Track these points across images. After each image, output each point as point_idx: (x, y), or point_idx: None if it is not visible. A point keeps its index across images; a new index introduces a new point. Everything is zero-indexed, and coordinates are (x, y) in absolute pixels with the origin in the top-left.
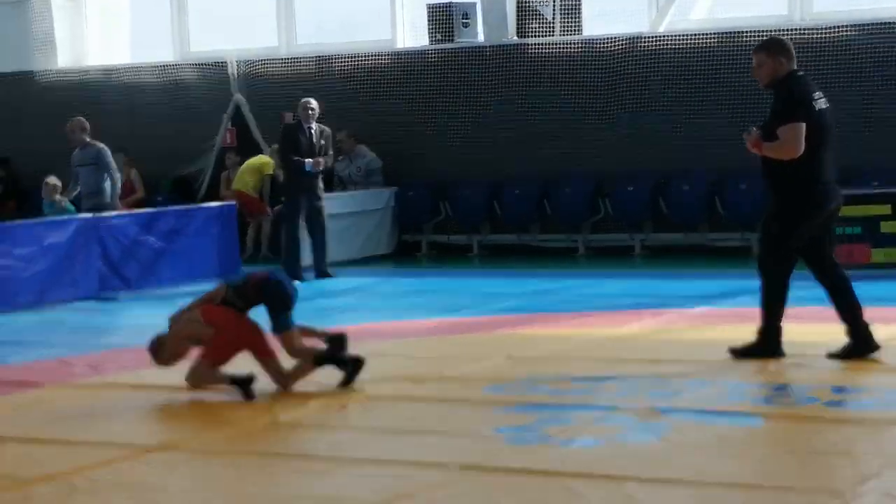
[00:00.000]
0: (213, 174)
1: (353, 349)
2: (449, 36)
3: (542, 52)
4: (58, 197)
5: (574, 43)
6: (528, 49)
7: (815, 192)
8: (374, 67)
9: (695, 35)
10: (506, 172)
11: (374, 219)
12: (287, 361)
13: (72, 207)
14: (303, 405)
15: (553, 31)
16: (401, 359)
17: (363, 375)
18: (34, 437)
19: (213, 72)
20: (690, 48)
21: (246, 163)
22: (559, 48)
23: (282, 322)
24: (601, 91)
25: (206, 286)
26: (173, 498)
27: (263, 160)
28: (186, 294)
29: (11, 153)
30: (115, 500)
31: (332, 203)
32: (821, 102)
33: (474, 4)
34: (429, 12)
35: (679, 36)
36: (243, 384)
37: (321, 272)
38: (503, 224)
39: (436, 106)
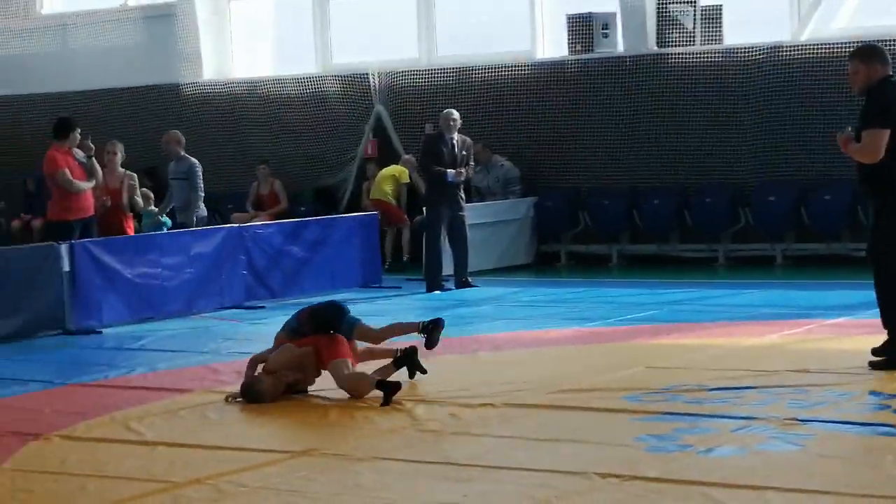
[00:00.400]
0: (354, 185)
1: (494, 357)
2: (588, 46)
3: (682, 62)
4: (151, 207)
5: (715, 52)
6: (668, 59)
7: None
8: (514, 78)
9: (836, 44)
10: (645, 182)
11: (513, 229)
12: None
13: (168, 221)
14: (441, 411)
15: (694, 41)
16: (539, 367)
17: (506, 382)
18: (184, 441)
19: (355, 83)
20: (832, 58)
21: (381, 172)
22: (700, 57)
23: (349, 322)
24: (741, 101)
25: (349, 295)
26: (319, 502)
27: (398, 169)
28: None
29: (159, 163)
30: None
31: (470, 213)
32: None
33: (614, 14)
34: (568, 22)
35: (821, 45)
36: (390, 388)
37: (462, 282)
38: (642, 234)
39: (575, 116)
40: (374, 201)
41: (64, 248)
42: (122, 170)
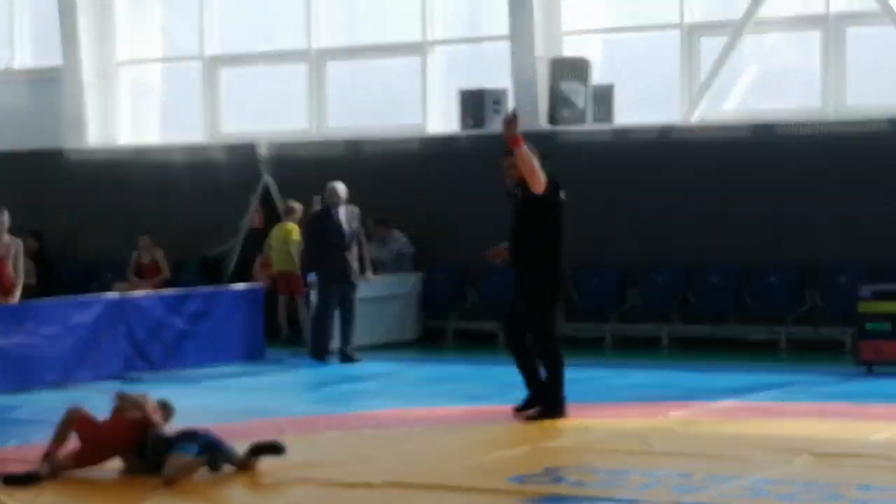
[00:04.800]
0: (241, 255)
1: (377, 434)
2: (480, 122)
3: (573, 140)
4: None
5: (605, 131)
6: (559, 136)
7: None
8: (405, 151)
9: (727, 126)
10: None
11: (400, 303)
12: None
13: None
14: (320, 492)
15: (585, 119)
16: (424, 446)
17: (389, 460)
18: None
19: (243, 153)
20: (723, 139)
21: (272, 237)
22: (591, 136)
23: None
24: (632, 180)
25: (230, 369)
26: None
27: (286, 228)
28: (210, 375)
29: (43, 228)
30: None
31: (358, 286)
32: None
33: (506, 91)
34: (460, 98)
35: (712, 126)
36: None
37: (346, 355)
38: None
39: (464, 191)
40: (280, 272)
41: None
42: (7, 237)
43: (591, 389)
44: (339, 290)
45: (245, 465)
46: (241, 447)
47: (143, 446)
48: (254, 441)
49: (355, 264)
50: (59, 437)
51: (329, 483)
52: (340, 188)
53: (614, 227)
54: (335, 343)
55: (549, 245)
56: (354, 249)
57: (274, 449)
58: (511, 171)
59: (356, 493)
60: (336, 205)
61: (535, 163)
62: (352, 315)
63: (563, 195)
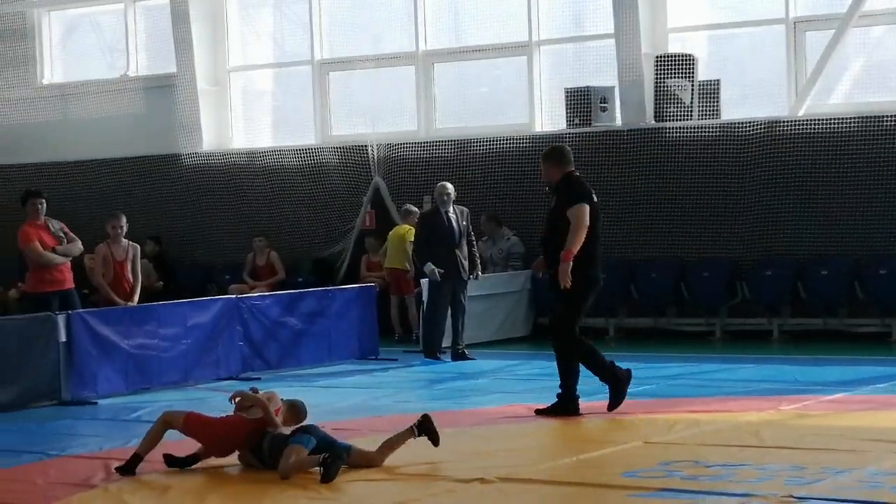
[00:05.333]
0: (352, 256)
1: (490, 431)
2: (587, 120)
3: (679, 136)
4: None
5: (712, 126)
6: (665, 133)
7: None
8: (512, 151)
9: (834, 119)
10: (642, 255)
11: (511, 301)
12: None
13: None
14: (436, 486)
15: (691, 115)
16: (537, 441)
17: (502, 456)
18: None
19: (354, 155)
20: (829, 133)
21: (390, 237)
22: (697, 132)
23: (342, 448)
24: (738, 175)
25: (344, 367)
26: None
27: (403, 228)
28: (324, 374)
29: (161, 232)
30: None
31: (469, 285)
32: None
33: (612, 88)
34: (567, 96)
35: (818, 120)
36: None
37: (458, 352)
38: (639, 307)
39: None
40: (390, 270)
41: (61, 319)
42: (126, 241)
43: (701, 384)
44: (449, 288)
45: (363, 460)
46: (358, 444)
47: (261, 445)
48: (424, 417)
49: (466, 263)
50: (151, 440)
51: (443, 478)
52: (449, 187)
53: (723, 222)
54: (447, 341)
55: (584, 251)
56: (465, 248)
57: (434, 437)
58: (544, 175)
59: (470, 489)
60: (445, 204)
61: (581, 234)
62: (462, 313)
63: (595, 198)
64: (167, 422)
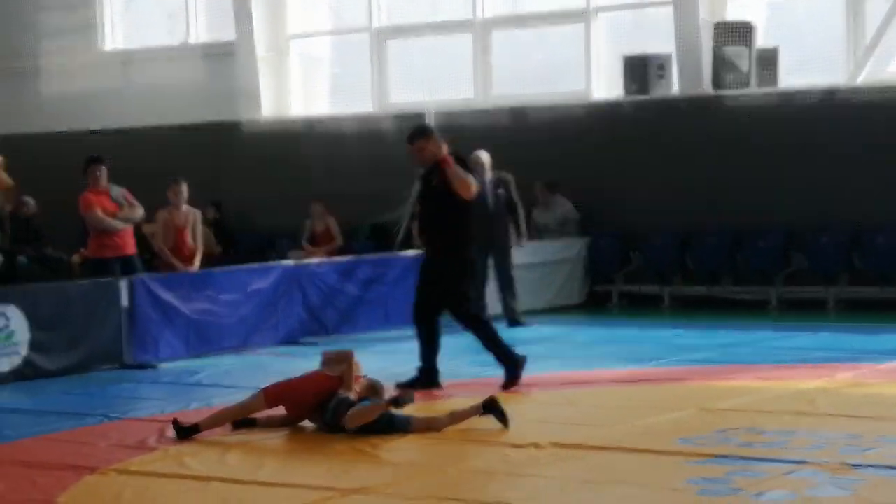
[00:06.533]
0: (409, 223)
1: (546, 397)
2: (644, 87)
3: (737, 104)
4: None
5: (770, 95)
6: (723, 101)
7: None
8: (569, 118)
9: (893, 87)
10: (697, 223)
11: (566, 268)
12: None
13: None
14: (491, 451)
15: (749, 83)
16: (592, 408)
17: (557, 422)
18: (237, 477)
19: (411, 122)
20: (888, 100)
21: None
22: (755, 100)
23: (403, 421)
24: (797, 143)
25: (400, 332)
26: None
27: None
28: (381, 340)
29: (220, 198)
30: None
31: (524, 253)
32: None
33: (670, 56)
34: (624, 64)
35: (877, 88)
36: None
37: (513, 320)
38: (694, 275)
39: (629, 156)
40: None
41: (123, 284)
42: (186, 206)
43: (757, 352)
44: (486, 257)
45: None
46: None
47: (327, 404)
48: (490, 398)
49: (509, 232)
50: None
51: (498, 443)
52: (484, 157)
53: (780, 191)
54: (495, 309)
55: (461, 232)
56: (503, 218)
57: (502, 417)
58: (420, 157)
59: (524, 453)
60: (479, 173)
61: (462, 172)
62: (509, 281)
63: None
64: (248, 408)
